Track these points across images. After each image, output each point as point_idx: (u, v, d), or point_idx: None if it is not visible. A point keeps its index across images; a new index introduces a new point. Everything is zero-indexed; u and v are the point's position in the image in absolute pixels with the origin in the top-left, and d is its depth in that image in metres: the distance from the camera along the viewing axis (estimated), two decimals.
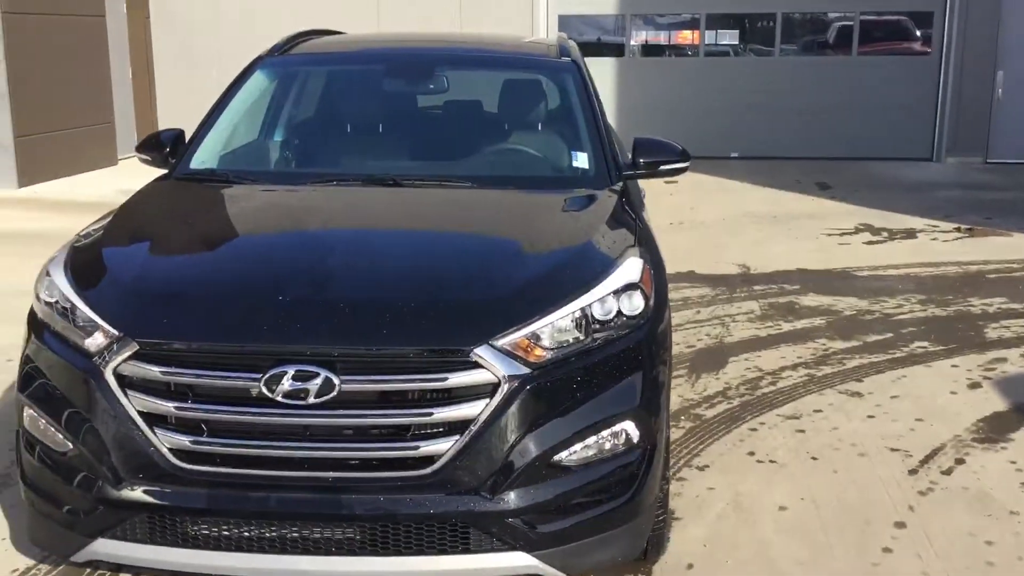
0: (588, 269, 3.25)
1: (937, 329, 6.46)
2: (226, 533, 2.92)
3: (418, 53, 5.29)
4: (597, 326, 3.09)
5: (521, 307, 3.02)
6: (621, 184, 4.15)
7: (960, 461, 4.49)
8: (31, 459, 3.19)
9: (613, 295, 3.14)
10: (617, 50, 14.62)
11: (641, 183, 4.62)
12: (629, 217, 3.81)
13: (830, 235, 9.39)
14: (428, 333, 2.93)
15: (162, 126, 14.39)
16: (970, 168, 13.40)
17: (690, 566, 3.61)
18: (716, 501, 4.11)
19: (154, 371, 2.92)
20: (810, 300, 7.18)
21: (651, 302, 3.25)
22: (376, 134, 4.75)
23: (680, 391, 5.25)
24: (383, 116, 4.84)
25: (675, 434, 4.69)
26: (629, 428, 3.08)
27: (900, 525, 3.92)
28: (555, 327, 3.01)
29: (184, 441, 2.92)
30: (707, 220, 10.19)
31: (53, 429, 3.09)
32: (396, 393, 2.91)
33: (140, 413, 2.93)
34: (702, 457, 4.52)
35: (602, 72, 13.48)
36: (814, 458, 4.53)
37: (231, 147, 4.54)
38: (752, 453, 4.58)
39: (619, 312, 3.14)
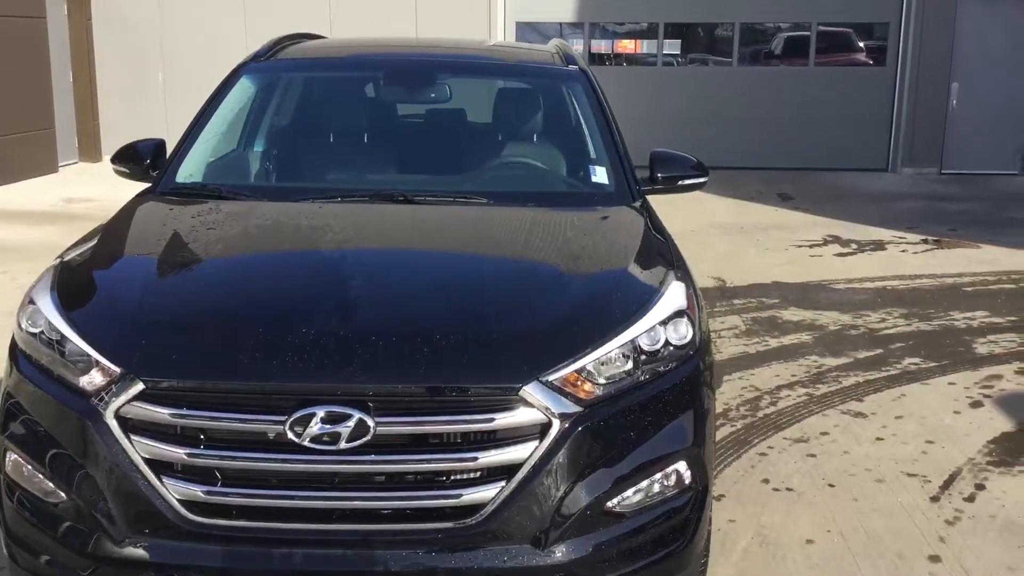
0: (633, 296, 3.02)
1: (926, 345, 6.36)
2: None
3: (420, 59, 4.94)
4: (645, 358, 2.85)
5: (570, 339, 2.77)
6: (641, 200, 3.92)
7: (980, 487, 4.35)
8: (14, 508, 2.86)
9: (660, 324, 2.91)
10: None
11: None
12: (659, 237, 3.59)
13: (799, 247, 9.30)
14: (472, 369, 2.67)
15: (104, 132, 13.86)
16: (926, 179, 13.47)
17: None
18: (740, 536, 3.91)
19: (162, 413, 2.62)
20: (792, 315, 7.05)
21: (696, 329, 3.02)
22: (379, 146, 4.42)
23: None
24: (388, 127, 4.52)
25: None
26: (681, 468, 2.85)
27: (935, 559, 3.76)
28: (605, 360, 2.77)
29: (196, 491, 2.62)
30: (674, 231, 9.96)
31: (42, 476, 2.77)
32: (436, 436, 2.65)
33: (146, 460, 2.63)
34: (716, 486, 4.28)
35: None
36: (831, 485, 4.35)
37: (219, 159, 4.20)
38: (767, 480, 4.39)
39: (667, 342, 2.91)
